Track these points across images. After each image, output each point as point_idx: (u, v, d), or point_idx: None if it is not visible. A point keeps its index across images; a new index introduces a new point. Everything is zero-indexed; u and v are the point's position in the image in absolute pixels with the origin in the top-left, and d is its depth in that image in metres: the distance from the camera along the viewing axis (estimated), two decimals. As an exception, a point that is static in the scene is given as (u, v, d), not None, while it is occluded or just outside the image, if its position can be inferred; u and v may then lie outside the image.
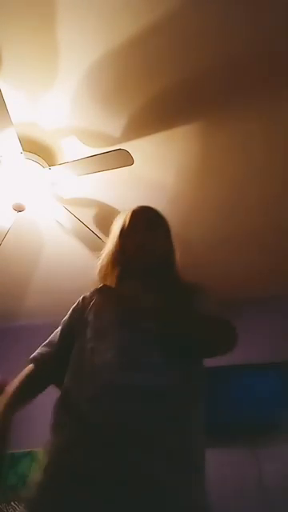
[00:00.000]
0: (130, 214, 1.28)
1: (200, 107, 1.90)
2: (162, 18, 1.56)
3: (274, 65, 1.72)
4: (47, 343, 1.25)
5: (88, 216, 2.43)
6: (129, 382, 0.93)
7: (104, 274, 1.27)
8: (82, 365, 1.03)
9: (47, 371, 1.20)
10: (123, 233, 1.25)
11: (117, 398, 0.91)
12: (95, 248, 2.45)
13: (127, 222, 1.26)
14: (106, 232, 2.52)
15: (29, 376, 1.21)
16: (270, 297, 3.13)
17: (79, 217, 2.23)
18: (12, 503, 2.87)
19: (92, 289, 1.28)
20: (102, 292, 1.24)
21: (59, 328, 1.27)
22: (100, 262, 1.29)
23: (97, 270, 1.29)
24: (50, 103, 1.86)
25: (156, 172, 2.20)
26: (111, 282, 1.23)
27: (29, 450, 3.02)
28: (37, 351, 1.24)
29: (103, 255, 1.29)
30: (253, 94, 1.83)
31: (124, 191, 2.30)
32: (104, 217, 2.46)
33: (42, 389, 1.22)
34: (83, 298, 1.27)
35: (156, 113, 1.91)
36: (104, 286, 1.26)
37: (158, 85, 1.79)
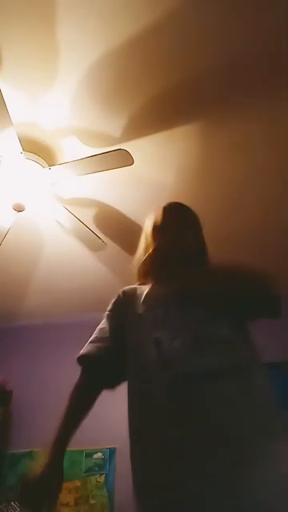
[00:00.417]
0: (161, 211, 1.28)
1: (200, 107, 1.90)
2: (162, 18, 1.56)
3: (274, 65, 1.72)
4: (97, 339, 1.19)
5: (88, 216, 2.43)
6: (205, 366, 0.93)
7: (141, 273, 1.25)
8: (146, 358, 1.01)
9: (102, 370, 1.17)
10: (156, 229, 1.25)
11: (194, 383, 0.91)
12: (95, 248, 2.46)
13: (159, 219, 1.26)
14: (106, 232, 2.55)
15: (82, 387, 1.16)
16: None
17: (79, 217, 2.23)
18: (12, 503, 2.87)
19: (132, 285, 1.26)
20: (144, 287, 1.22)
21: (105, 323, 1.22)
22: (136, 261, 1.28)
23: (134, 270, 1.28)
24: (50, 103, 1.86)
25: (156, 172, 2.20)
26: (149, 279, 1.22)
27: (29, 449, 3.02)
28: (87, 348, 1.18)
29: (138, 255, 1.29)
30: (253, 94, 1.83)
31: (124, 191, 2.30)
32: (104, 217, 2.46)
33: (100, 391, 1.18)
34: (123, 292, 1.24)
35: (156, 113, 1.91)
36: (143, 283, 1.24)
37: (158, 85, 1.79)
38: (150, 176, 2.22)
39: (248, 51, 1.67)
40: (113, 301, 1.26)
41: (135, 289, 1.22)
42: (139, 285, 1.24)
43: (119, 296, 1.25)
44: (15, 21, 1.57)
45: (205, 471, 0.81)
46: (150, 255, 1.22)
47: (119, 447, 2.81)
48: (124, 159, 1.88)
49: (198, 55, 1.68)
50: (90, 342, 1.20)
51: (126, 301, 1.21)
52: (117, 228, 2.51)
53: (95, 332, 1.22)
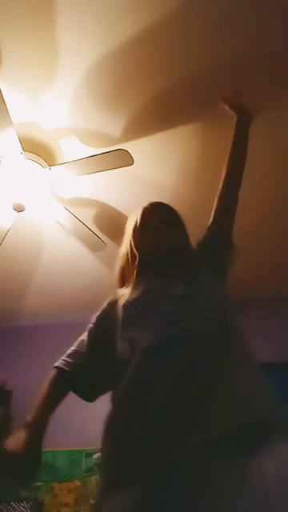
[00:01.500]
0: (141, 211, 1.29)
1: (200, 107, 1.90)
2: (162, 18, 1.56)
3: (274, 65, 1.72)
4: (73, 353, 1.19)
5: (88, 216, 2.43)
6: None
7: (122, 274, 1.26)
8: (121, 358, 1.02)
9: (72, 383, 1.17)
10: (136, 230, 1.26)
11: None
12: (95, 248, 2.46)
13: (139, 219, 1.27)
14: (106, 232, 2.55)
15: (54, 384, 1.16)
16: (270, 297, 3.14)
17: (79, 217, 2.23)
18: (12, 503, 2.87)
19: (111, 296, 1.26)
20: (123, 291, 1.22)
21: (86, 336, 1.22)
22: (117, 262, 1.29)
23: (115, 271, 1.29)
24: (50, 103, 1.86)
25: (156, 172, 2.20)
26: (130, 279, 1.22)
27: (29, 449, 3.02)
28: (64, 359, 1.19)
29: (119, 256, 1.29)
30: (253, 94, 1.83)
31: (124, 191, 2.30)
32: (104, 217, 2.46)
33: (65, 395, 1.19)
34: (108, 303, 1.24)
35: (156, 113, 1.91)
36: (122, 289, 1.25)
37: (158, 85, 1.79)
38: (150, 176, 2.22)
39: (248, 51, 1.67)
40: (97, 313, 1.25)
41: (116, 294, 1.23)
42: (120, 287, 1.25)
43: (104, 309, 1.24)
44: (15, 21, 1.57)
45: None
46: (129, 256, 1.23)
47: (119, 447, 2.81)
48: (124, 159, 1.88)
49: (198, 55, 1.68)
50: (67, 354, 1.19)
51: (109, 312, 1.20)
52: (117, 228, 2.51)
53: (76, 343, 1.22)
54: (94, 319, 1.25)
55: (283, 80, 1.78)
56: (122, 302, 1.15)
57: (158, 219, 1.26)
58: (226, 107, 1.50)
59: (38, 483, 2.94)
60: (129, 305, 1.12)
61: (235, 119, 1.42)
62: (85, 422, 2.85)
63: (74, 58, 1.69)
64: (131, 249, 1.24)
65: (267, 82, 1.78)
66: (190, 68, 1.73)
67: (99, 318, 1.24)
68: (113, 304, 1.20)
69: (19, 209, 2.01)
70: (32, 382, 3.23)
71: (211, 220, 1.31)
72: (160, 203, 1.33)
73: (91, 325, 1.24)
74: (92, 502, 2.81)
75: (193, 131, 1.99)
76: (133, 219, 1.30)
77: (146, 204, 1.31)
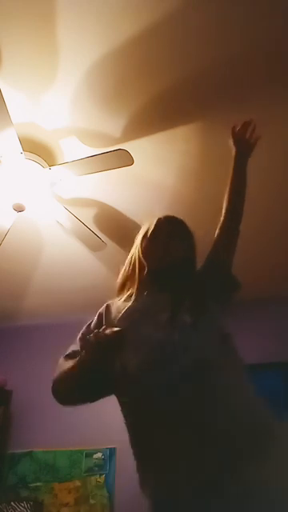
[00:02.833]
0: (155, 221, 1.29)
1: (200, 107, 1.90)
2: (162, 18, 1.56)
3: (273, 65, 1.72)
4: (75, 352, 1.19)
5: (88, 216, 2.43)
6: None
7: (124, 282, 1.26)
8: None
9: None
10: (146, 238, 1.26)
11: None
12: (95, 248, 2.46)
13: (151, 228, 1.27)
14: (106, 232, 2.55)
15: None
16: (270, 297, 3.13)
17: (79, 217, 2.23)
18: (12, 503, 2.87)
19: (105, 305, 1.26)
20: (118, 302, 1.22)
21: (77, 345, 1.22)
22: (121, 269, 1.29)
23: (119, 276, 1.29)
24: (50, 103, 1.86)
25: (156, 172, 2.20)
26: (131, 288, 1.22)
27: (29, 449, 3.02)
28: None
29: (125, 264, 1.29)
30: (253, 94, 1.83)
31: (124, 191, 2.30)
32: (104, 217, 2.47)
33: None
34: (98, 315, 1.24)
35: (156, 113, 1.91)
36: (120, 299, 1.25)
37: (158, 85, 1.79)
38: (150, 176, 2.22)
39: (248, 51, 1.67)
40: (91, 324, 1.25)
41: (110, 305, 1.23)
42: (119, 295, 1.25)
43: (100, 313, 1.24)
44: (15, 21, 1.57)
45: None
46: (135, 263, 1.23)
47: (119, 447, 2.81)
48: (124, 159, 1.88)
49: (198, 55, 1.68)
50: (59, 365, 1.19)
51: (105, 315, 1.21)
52: (117, 228, 2.51)
53: (69, 349, 1.22)
54: (84, 328, 1.24)
55: (283, 80, 1.78)
56: (119, 313, 1.15)
57: (168, 232, 1.26)
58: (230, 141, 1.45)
59: (38, 483, 2.94)
60: (127, 317, 1.12)
61: (233, 152, 1.39)
62: (85, 422, 2.85)
63: (73, 58, 1.69)
64: (139, 257, 1.24)
65: (267, 82, 1.78)
66: (189, 68, 1.73)
67: (99, 317, 1.24)
68: (107, 313, 1.20)
69: (19, 209, 2.01)
70: (32, 382, 3.25)
71: (211, 252, 1.28)
72: (174, 217, 1.32)
73: (80, 334, 1.23)
74: (92, 501, 2.81)
75: (193, 131, 1.99)
76: (144, 228, 1.30)
77: (160, 215, 1.31)
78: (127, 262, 1.29)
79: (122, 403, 1.08)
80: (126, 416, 1.05)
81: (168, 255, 1.21)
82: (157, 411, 0.95)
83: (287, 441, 0.88)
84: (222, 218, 1.31)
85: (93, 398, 1.15)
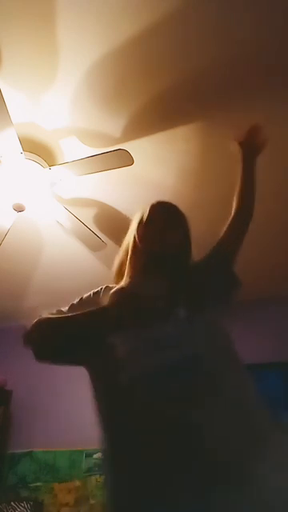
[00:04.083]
0: (148, 207, 1.28)
1: (200, 107, 1.90)
2: (162, 18, 1.56)
3: (273, 65, 1.72)
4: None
5: (88, 216, 2.43)
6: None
7: (120, 269, 1.25)
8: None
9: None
10: (141, 225, 1.24)
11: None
12: (95, 248, 2.46)
13: (146, 215, 1.25)
14: (106, 232, 2.55)
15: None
16: (270, 297, 3.14)
17: (79, 217, 2.23)
18: (12, 503, 2.87)
19: (103, 286, 1.24)
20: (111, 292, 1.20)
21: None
22: (117, 256, 1.29)
23: (114, 264, 1.28)
24: (50, 103, 1.86)
25: (156, 172, 2.20)
26: (128, 274, 1.21)
27: (29, 449, 3.03)
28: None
29: (121, 250, 1.28)
30: (253, 94, 1.83)
31: (124, 191, 2.30)
32: (104, 217, 2.47)
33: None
34: (106, 287, 1.22)
35: (156, 113, 1.91)
36: (113, 285, 1.23)
37: (158, 85, 1.79)
38: (150, 176, 2.22)
39: (248, 51, 1.67)
40: (82, 298, 1.24)
41: (108, 289, 1.21)
42: (117, 283, 1.23)
43: (90, 295, 1.24)
44: (15, 21, 1.57)
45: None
46: (130, 250, 1.22)
47: (119, 447, 2.81)
48: (124, 159, 1.88)
49: (198, 55, 1.68)
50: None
51: (93, 300, 1.20)
52: (117, 228, 2.51)
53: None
54: (78, 300, 1.24)
55: (283, 80, 1.78)
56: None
57: (164, 218, 1.24)
58: (233, 145, 1.43)
59: (38, 483, 2.94)
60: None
61: (240, 154, 1.37)
62: (85, 422, 2.85)
63: (73, 58, 1.69)
64: (134, 242, 1.23)
65: (267, 82, 1.78)
66: (189, 68, 1.73)
67: (82, 301, 1.23)
68: (105, 296, 1.18)
69: (19, 209, 2.01)
70: (32, 382, 3.24)
71: (215, 248, 1.28)
72: (168, 203, 1.31)
73: (76, 302, 1.24)
74: (92, 501, 2.81)
75: (193, 131, 1.99)
76: (139, 215, 1.29)
77: (153, 201, 1.30)
78: (123, 248, 1.28)
79: (96, 379, 1.04)
80: (98, 398, 1.02)
81: (165, 240, 1.20)
82: (139, 402, 0.90)
83: (286, 441, 0.87)
84: (231, 217, 1.33)
85: (71, 357, 1.11)
